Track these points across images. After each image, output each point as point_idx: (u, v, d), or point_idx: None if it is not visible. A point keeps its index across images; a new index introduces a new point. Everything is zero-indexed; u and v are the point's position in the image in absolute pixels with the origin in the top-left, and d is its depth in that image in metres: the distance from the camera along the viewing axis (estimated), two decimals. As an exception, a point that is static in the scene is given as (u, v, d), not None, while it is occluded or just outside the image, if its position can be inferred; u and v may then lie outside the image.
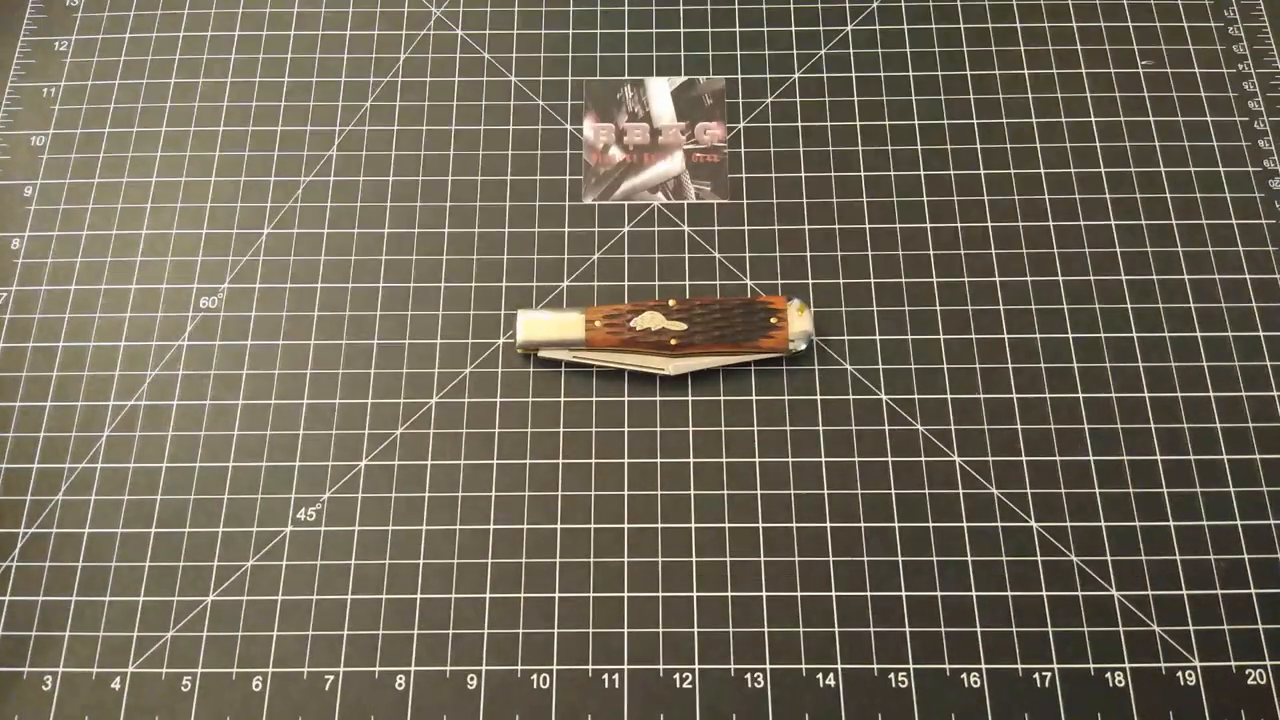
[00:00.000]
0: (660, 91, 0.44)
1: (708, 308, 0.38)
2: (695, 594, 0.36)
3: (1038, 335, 0.39)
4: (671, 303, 0.37)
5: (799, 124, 0.43)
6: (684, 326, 0.37)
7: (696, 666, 0.35)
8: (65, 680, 0.35)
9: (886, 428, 0.38)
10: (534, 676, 0.35)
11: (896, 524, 0.36)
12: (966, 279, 0.40)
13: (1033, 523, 0.36)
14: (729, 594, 0.36)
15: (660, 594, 0.36)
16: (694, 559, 0.36)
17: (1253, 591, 0.35)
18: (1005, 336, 0.39)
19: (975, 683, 0.34)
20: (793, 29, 0.45)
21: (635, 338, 0.37)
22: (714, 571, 0.36)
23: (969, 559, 0.36)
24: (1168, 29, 0.45)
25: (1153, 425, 0.38)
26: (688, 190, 0.42)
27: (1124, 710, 0.34)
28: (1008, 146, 0.43)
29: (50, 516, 0.37)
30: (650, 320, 0.37)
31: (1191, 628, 0.35)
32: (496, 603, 0.36)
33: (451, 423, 0.38)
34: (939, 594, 0.35)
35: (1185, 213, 0.41)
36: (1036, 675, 0.34)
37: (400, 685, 0.34)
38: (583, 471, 0.37)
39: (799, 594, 0.35)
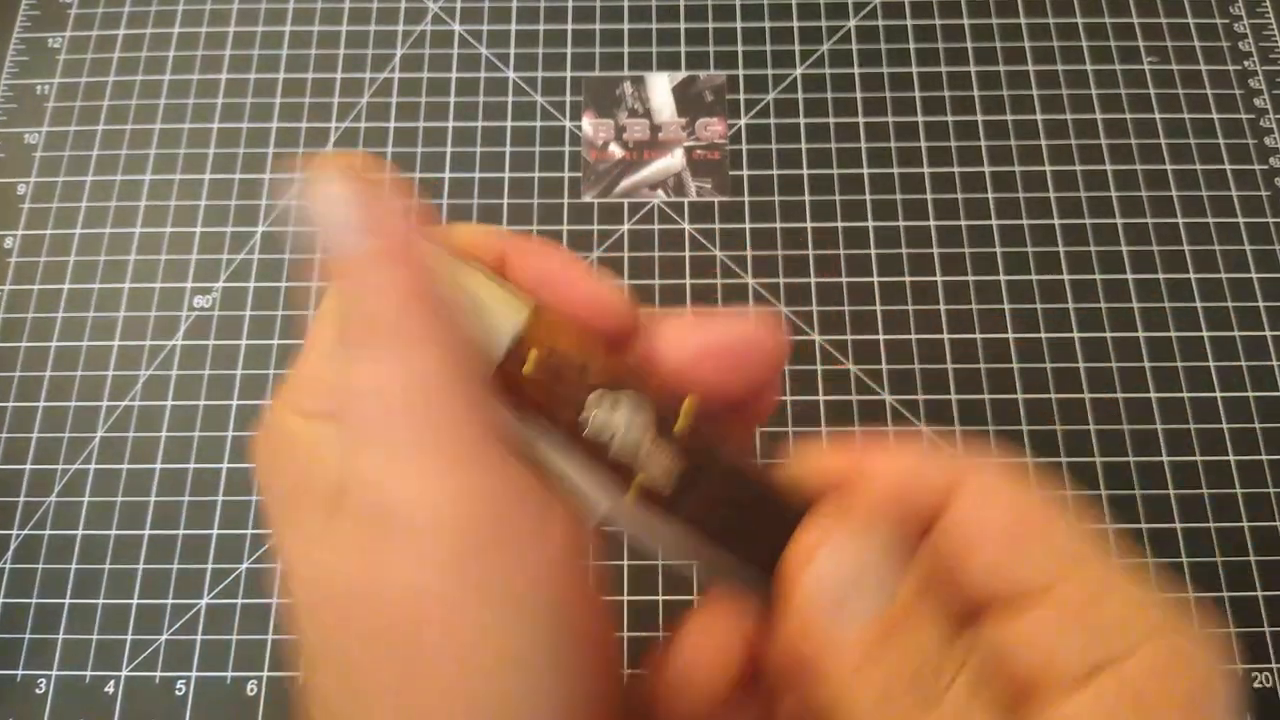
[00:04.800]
0: (660, 87, 0.44)
1: (725, 473, 0.17)
2: (696, 596, 0.35)
3: (1043, 335, 0.39)
4: (678, 428, 0.16)
5: (801, 120, 0.43)
6: (678, 466, 0.16)
7: (697, 670, 0.34)
8: (59, 684, 0.35)
9: (890, 428, 0.37)
10: (532, 680, 0.34)
11: (899, 526, 0.36)
12: (971, 278, 0.40)
13: (1037, 524, 0.36)
14: (730, 597, 0.35)
15: (660, 597, 0.35)
16: (693, 560, 0.36)
17: (1259, 594, 0.35)
18: (1010, 336, 0.39)
19: (979, 687, 0.34)
20: (794, 24, 0.45)
21: (582, 440, 0.16)
22: (715, 574, 0.36)
23: (973, 561, 0.35)
24: (1172, 25, 0.45)
25: (1159, 426, 0.37)
26: (688, 187, 0.42)
27: (1130, 714, 0.33)
28: (1011, 143, 0.42)
29: (43, 518, 0.37)
30: (621, 421, 0.16)
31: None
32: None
33: (449, 423, 0.38)
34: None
35: (1191, 210, 0.41)
36: (1041, 679, 0.34)
37: (397, 689, 0.34)
38: (582, 473, 0.37)
39: (801, 597, 0.35)
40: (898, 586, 0.14)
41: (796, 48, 0.44)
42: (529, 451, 0.16)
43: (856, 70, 0.44)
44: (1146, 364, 0.38)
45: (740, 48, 0.44)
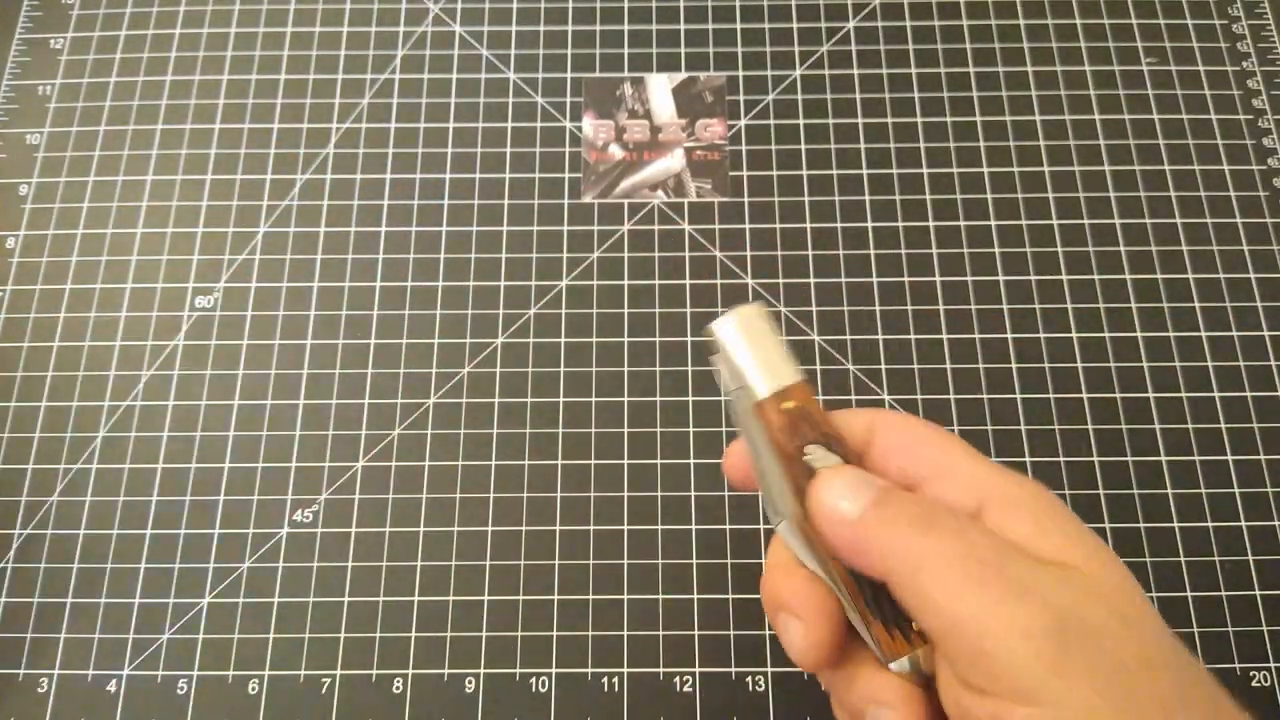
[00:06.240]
0: (660, 88, 0.44)
1: None
2: (696, 596, 0.35)
3: (1041, 335, 0.39)
4: None
5: (800, 121, 0.43)
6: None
7: (697, 670, 0.34)
8: (61, 682, 0.35)
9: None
10: (532, 680, 0.34)
11: (898, 525, 0.36)
12: (970, 278, 0.40)
13: (1036, 524, 0.36)
14: (730, 596, 0.35)
15: (660, 596, 0.35)
16: (694, 561, 0.36)
17: (1257, 593, 0.35)
18: (1009, 336, 0.39)
19: (978, 686, 0.34)
20: (794, 25, 0.45)
21: (799, 463, 0.22)
22: (715, 574, 0.36)
23: (972, 561, 0.35)
24: (1171, 26, 0.45)
25: (1157, 425, 0.37)
26: (688, 188, 0.42)
27: (1128, 713, 0.33)
28: (1010, 144, 0.42)
29: (45, 518, 0.37)
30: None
31: (1196, 630, 0.35)
32: (494, 605, 0.35)
33: (449, 424, 0.38)
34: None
35: (1189, 211, 0.41)
36: (1040, 678, 0.34)
37: (398, 688, 0.34)
38: (582, 473, 0.37)
39: (800, 596, 0.35)
40: (880, 482, 0.21)
41: (796, 49, 0.44)
42: (760, 453, 0.23)
43: (856, 71, 0.44)
44: (1145, 364, 0.38)
45: (740, 49, 0.44)
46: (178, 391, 0.39)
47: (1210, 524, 0.36)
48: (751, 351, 0.23)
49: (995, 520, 0.20)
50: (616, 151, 0.43)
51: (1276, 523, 0.36)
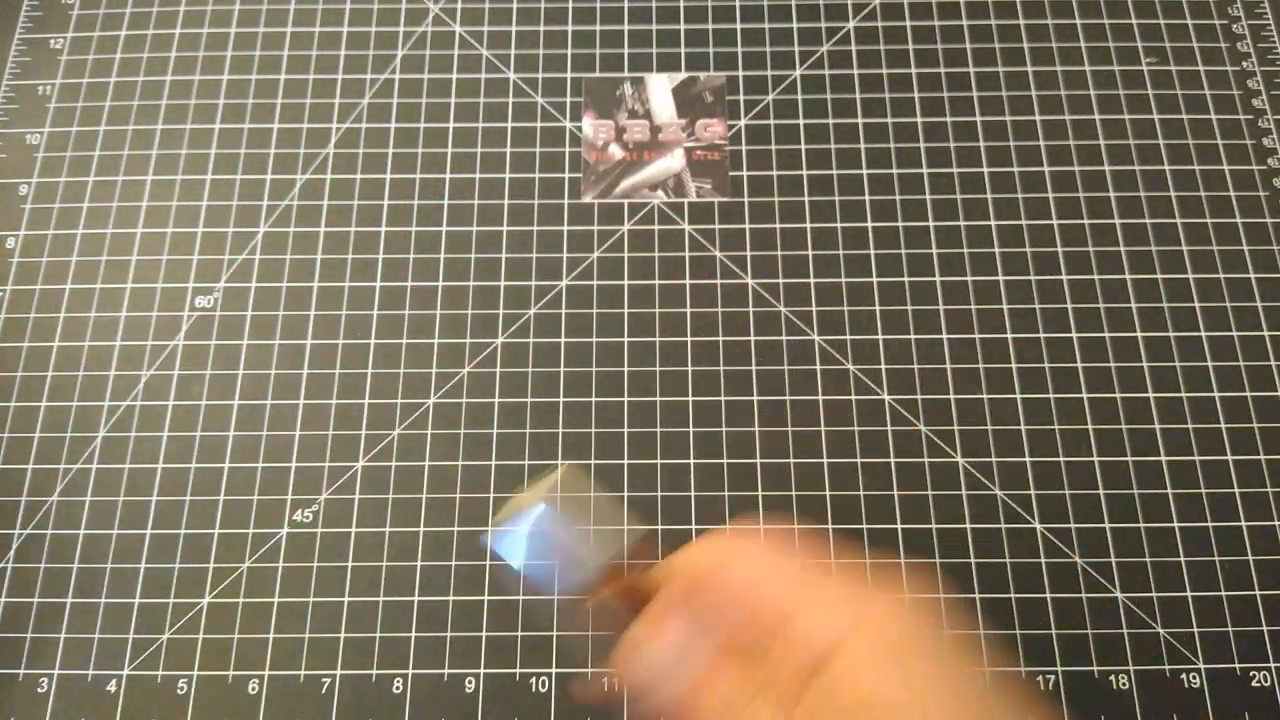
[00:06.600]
0: (660, 88, 0.44)
1: None
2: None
3: (1041, 335, 0.39)
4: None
5: (800, 121, 0.43)
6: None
7: (697, 669, 0.34)
8: (61, 682, 0.35)
9: (889, 428, 0.38)
10: (533, 680, 0.34)
11: (899, 525, 0.36)
12: (969, 278, 0.40)
13: (1036, 524, 0.36)
14: (729, 596, 0.35)
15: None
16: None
17: (1257, 593, 0.35)
18: (1009, 336, 0.39)
19: (978, 686, 0.34)
20: (794, 25, 0.45)
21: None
22: (714, 573, 0.36)
23: (972, 561, 0.35)
24: (1171, 26, 0.45)
25: (1157, 426, 0.37)
26: (688, 188, 0.42)
27: (1128, 713, 0.33)
28: (1010, 144, 0.42)
29: (45, 518, 0.37)
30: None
31: (1196, 630, 0.35)
32: (495, 605, 0.35)
33: (449, 424, 0.38)
34: (941, 596, 0.35)
35: (1189, 211, 0.41)
36: (1040, 678, 0.34)
37: (398, 688, 0.34)
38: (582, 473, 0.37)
39: (800, 596, 0.35)
40: (701, 656, 0.21)
41: (796, 49, 0.44)
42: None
43: (856, 71, 0.44)
44: (1145, 364, 0.38)
45: (740, 49, 0.44)
46: (178, 391, 0.39)
47: (1210, 524, 0.36)
48: (557, 552, 0.23)
49: (836, 667, 0.19)
50: (616, 151, 0.43)
51: (1276, 523, 0.36)
